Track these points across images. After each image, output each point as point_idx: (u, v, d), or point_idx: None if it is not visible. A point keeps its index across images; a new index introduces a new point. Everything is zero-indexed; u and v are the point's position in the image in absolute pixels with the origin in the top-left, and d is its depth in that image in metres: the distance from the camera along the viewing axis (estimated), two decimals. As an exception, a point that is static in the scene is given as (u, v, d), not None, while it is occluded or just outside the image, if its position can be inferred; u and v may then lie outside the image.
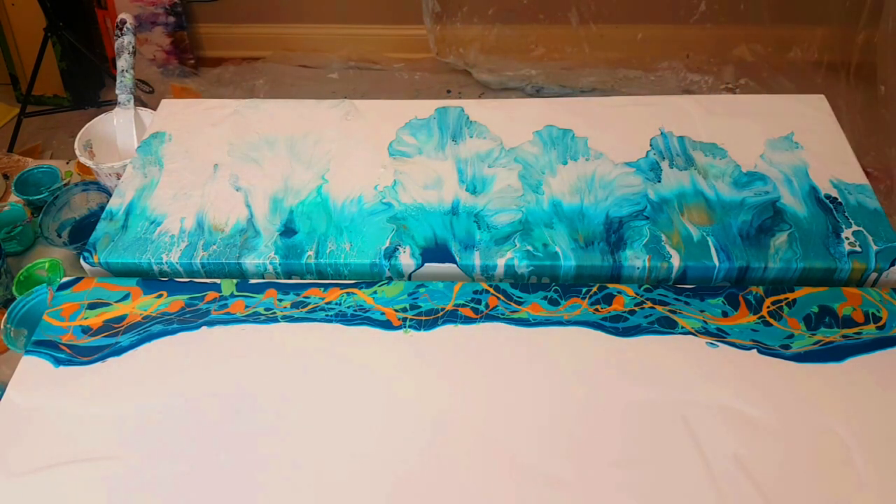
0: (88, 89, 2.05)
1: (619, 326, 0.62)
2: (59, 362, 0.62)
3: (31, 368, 0.61)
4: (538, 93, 1.99)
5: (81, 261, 0.71)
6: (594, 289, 0.65)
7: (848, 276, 0.67)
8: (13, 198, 0.99)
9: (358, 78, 2.09)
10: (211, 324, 0.64)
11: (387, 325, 0.63)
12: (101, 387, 0.60)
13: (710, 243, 0.68)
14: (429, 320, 0.63)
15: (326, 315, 0.64)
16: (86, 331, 0.64)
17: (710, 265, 0.66)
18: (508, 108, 0.84)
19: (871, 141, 1.65)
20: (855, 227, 0.69)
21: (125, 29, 0.95)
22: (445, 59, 2.07)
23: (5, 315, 0.80)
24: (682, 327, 0.61)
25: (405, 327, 0.63)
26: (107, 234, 0.72)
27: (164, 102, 0.89)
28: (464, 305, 0.64)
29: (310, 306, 0.65)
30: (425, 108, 0.85)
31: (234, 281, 0.67)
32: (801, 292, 0.64)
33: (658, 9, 1.93)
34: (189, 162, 0.80)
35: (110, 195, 0.83)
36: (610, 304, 0.63)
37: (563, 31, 2.00)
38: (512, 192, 0.74)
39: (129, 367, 0.61)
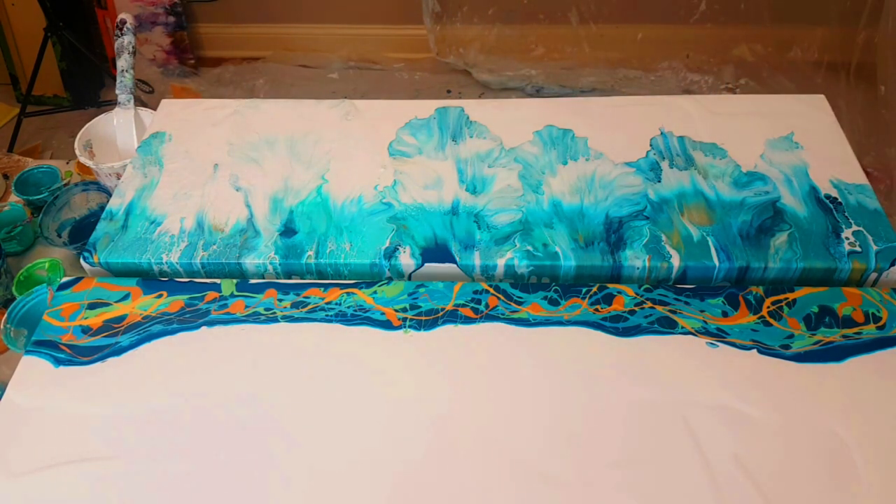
0: (88, 89, 2.05)
1: (619, 326, 0.62)
2: (59, 362, 0.62)
3: (31, 368, 0.61)
4: (538, 93, 1.99)
5: (81, 261, 0.71)
6: (594, 289, 0.65)
7: (848, 276, 0.67)
8: (13, 198, 0.99)
9: (358, 78, 2.09)
10: (211, 324, 0.64)
11: (387, 325, 0.63)
12: (101, 387, 0.60)
13: (710, 243, 0.68)
14: (429, 320, 0.63)
15: (326, 315, 0.64)
16: (86, 331, 0.64)
17: (710, 265, 0.66)
18: (508, 108, 0.84)
19: (871, 141, 1.65)
20: (855, 227, 0.69)
21: (125, 29, 0.95)
22: (445, 59, 2.07)
23: (5, 315, 0.80)
24: (682, 327, 0.61)
25: (405, 327, 0.63)
26: (107, 234, 0.72)
27: (164, 102, 0.89)
28: (464, 305, 0.64)
29: (310, 306, 0.65)
30: (425, 108, 0.85)
31: (234, 281, 0.67)
32: (801, 292, 0.64)
33: (658, 9, 1.93)
34: (189, 162, 0.80)
35: (110, 195, 0.83)
36: (610, 304, 0.63)
37: (563, 31, 2.00)
38: (512, 192, 0.74)
39: (129, 367, 0.61)
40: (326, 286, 0.66)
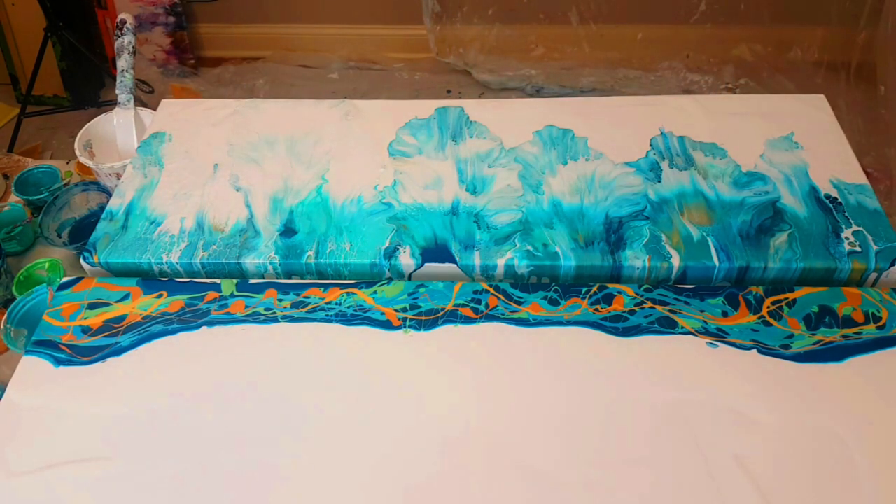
0: (88, 89, 2.05)
1: (619, 326, 0.62)
2: (59, 362, 0.62)
3: (31, 368, 0.61)
4: (538, 93, 1.99)
5: (81, 261, 0.71)
6: (594, 289, 0.65)
7: (848, 276, 0.67)
8: (13, 198, 0.99)
9: (358, 78, 2.09)
10: (211, 324, 0.64)
11: (387, 325, 0.63)
12: (101, 387, 0.60)
13: (710, 243, 0.68)
14: (429, 320, 0.63)
15: (326, 315, 0.64)
16: (86, 331, 0.64)
17: (710, 265, 0.66)
18: (508, 108, 0.84)
19: (871, 141, 1.65)
20: (855, 227, 0.69)
21: (125, 29, 0.95)
22: (445, 59, 2.07)
23: (5, 315, 0.80)
24: (682, 327, 0.61)
25: (405, 327, 0.63)
26: (107, 234, 0.72)
27: (164, 102, 0.89)
28: (464, 305, 0.64)
29: (310, 306, 0.65)
30: (425, 108, 0.85)
31: (234, 281, 0.67)
32: (801, 292, 0.64)
33: (658, 9, 1.93)
34: (189, 162, 0.80)
35: (110, 195, 0.83)
36: (610, 304, 0.63)
37: (563, 31, 2.00)
38: (512, 192, 0.74)
39: (129, 367, 0.61)
40: (326, 286, 0.66)
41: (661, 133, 0.80)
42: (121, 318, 0.65)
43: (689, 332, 0.61)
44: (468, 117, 0.83)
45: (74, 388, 0.60)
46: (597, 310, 0.63)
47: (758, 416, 0.55)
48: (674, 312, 0.62)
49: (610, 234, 0.69)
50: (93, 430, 0.57)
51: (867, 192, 0.72)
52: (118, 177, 0.91)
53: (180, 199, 0.75)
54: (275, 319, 0.64)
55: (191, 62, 2.10)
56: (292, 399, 0.58)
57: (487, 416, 0.56)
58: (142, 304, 0.66)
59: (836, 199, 0.71)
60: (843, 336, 0.60)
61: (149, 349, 0.62)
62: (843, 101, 1.72)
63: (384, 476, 0.53)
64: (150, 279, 0.69)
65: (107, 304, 0.66)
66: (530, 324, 0.62)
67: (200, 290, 0.66)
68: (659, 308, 0.63)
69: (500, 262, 0.67)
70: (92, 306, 0.66)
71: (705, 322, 0.62)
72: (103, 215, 0.74)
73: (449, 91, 2.04)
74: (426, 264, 0.68)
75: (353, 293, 0.65)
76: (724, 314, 0.62)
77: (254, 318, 0.64)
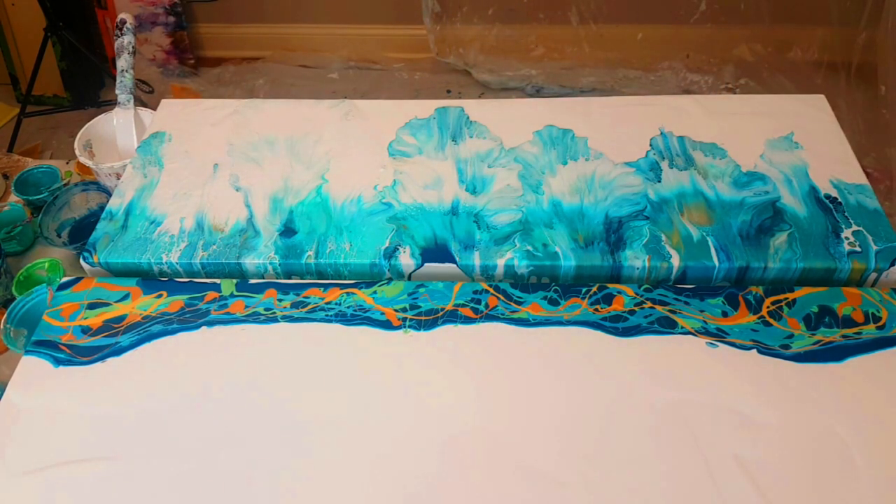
0: (88, 89, 2.05)
1: (619, 326, 0.62)
2: (58, 362, 0.62)
3: (31, 368, 0.61)
4: (538, 93, 1.99)
5: (81, 261, 0.71)
6: (594, 289, 0.65)
7: (848, 276, 0.67)
8: (13, 198, 0.99)
9: (358, 78, 2.09)
10: (211, 324, 0.64)
11: (387, 325, 0.63)
12: (100, 387, 0.60)
13: (710, 243, 0.68)
14: (429, 320, 0.63)
15: (326, 315, 0.64)
16: (86, 331, 0.64)
17: (709, 265, 0.66)
18: (508, 108, 0.84)
19: (871, 141, 1.65)
20: (855, 227, 0.69)
21: (125, 29, 0.95)
22: (445, 59, 2.07)
23: (5, 315, 0.80)
24: (682, 327, 0.61)
25: (405, 327, 0.63)
26: (107, 234, 0.72)
27: (164, 102, 0.89)
28: (464, 305, 0.64)
29: (310, 306, 0.65)
30: (425, 108, 0.85)
31: (234, 281, 0.67)
32: (800, 292, 0.64)
33: (658, 9, 1.93)
34: (189, 162, 0.80)
35: (110, 195, 0.83)
36: (610, 304, 0.63)
37: (563, 31, 2.00)
38: (512, 192, 0.74)
39: (128, 367, 0.61)
40: (326, 286, 0.66)
41: (661, 133, 0.80)
42: (121, 318, 0.65)
43: (688, 332, 0.61)
44: (468, 117, 0.83)
45: (74, 388, 0.60)
46: (597, 310, 0.63)
47: (758, 416, 0.55)
48: (674, 312, 0.62)
49: (610, 234, 0.69)
50: (93, 430, 0.57)
51: (867, 192, 0.72)
52: (118, 177, 0.91)
53: (180, 199, 0.75)
54: (275, 319, 0.64)
55: (191, 62, 2.10)
56: (292, 399, 0.58)
57: (487, 416, 0.56)
58: (142, 304, 0.66)
59: (835, 199, 0.71)
60: (843, 336, 0.60)
61: (149, 349, 0.62)
62: (843, 101, 1.72)
63: (384, 476, 0.53)
64: (150, 279, 0.69)
65: (107, 304, 0.66)
66: (530, 324, 0.62)
67: (200, 290, 0.66)
68: (659, 308, 0.63)
69: (500, 262, 0.67)
70: (92, 306, 0.66)
71: (705, 322, 0.62)
72: (103, 215, 0.74)
73: (449, 91, 2.04)
74: (426, 264, 0.68)
75: (353, 293, 0.65)
76: (724, 314, 0.62)
77: (254, 318, 0.64)
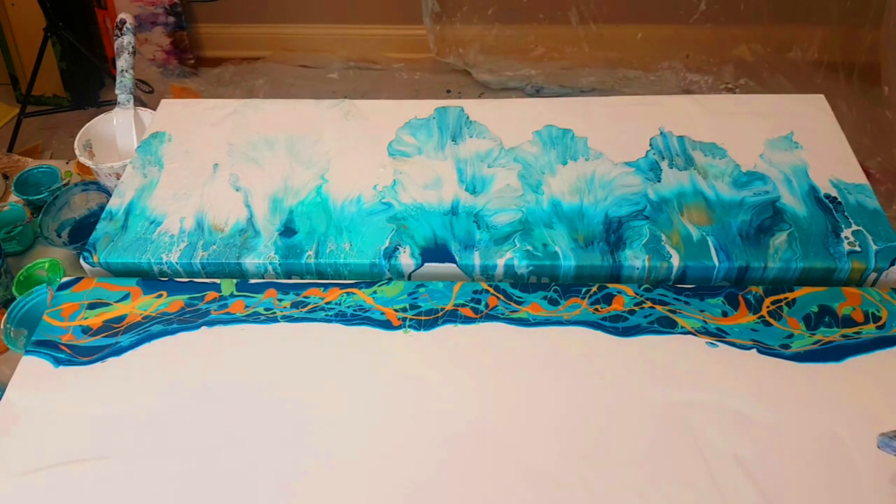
0: (88, 89, 2.05)
1: (619, 326, 0.62)
2: (59, 362, 0.62)
3: (31, 368, 0.61)
4: (538, 93, 1.99)
5: (81, 261, 0.71)
6: (594, 289, 0.65)
7: (847, 276, 0.67)
8: (13, 198, 0.99)
9: (358, 78, 2.09)
10: (211, 324, 0.64)
11: (387, 325, 0.63)
12: (101, 387, 0.60)
13: (710, 243, 0.68)
14: (429, 320, 0.63)
15: (326, 315, 0.64)
16: (86, 331, 0.64)
17: (709, 265, 0.66)
18: (508, 108, 0.84)
19: (873, 142, 1.65)
20: (854, 227, 0.69)
21: (125, 29, 0.95)
22: (445, 59, 2.07)
23: (5, 315, 0.80)
24: (682, 327, 0.61)
25: (405, 327, 0.63)
26: (107, 234, 0.72)
27: (164, 102, 0.89)
28: (464, 305, 0.64)
29: (310, 306, 0.65)
30: (425, 108, 0.85)
31: (234, 281, 0.67)
32: (800, 292, 0.64)
33: (658, 9, 1.93)
34: (189, 162, 0.80)
35: (110, 195, 0.83)
36: (610, 304, 0.63)
37: (563, 31, 2.00)
38: (511, 191, 0.74)
39: (128, 367, 0.61)
40: (326, 286, 0.66)
41: (661, 133, 0.80)
42: (121, 318, 0.65)
43: (688, 332, 0.61)
44: (468, 117, 0.83)
45: (74, 388, 0.60)
46: (597, 310, 0.63)
47: (757, 416, 0.55)
48: (674, 312, 0.62)
49: (610, 234, 0.69)
50: (93, 430, 0.57)
51: (867, 191, 0.72)
52: (118, 177, 0.91)
53: (180, 199, 0.75)
54: (275, 319, 0.64)
55: (191, 62, 2.10)
56: (292, 399, 0.58)
57: (487, 416, 0.56)
58: (142, 304, 0.66)
59: (835, 198, 0.71)
60: (843, 336, 0.60)
61: (149, 349, 0.62)
62: (843, 102, 1.72)
63: (384, 475, 0.53)
64: (150, 279, 0.69)
65: (107, 304, 0.66)
66: (530, 324, 0.62)
67: (200, 290, 0.66)
68: (659, 308, 0.63)
69: (500, 262, 0.67)
70: (92, 306, 0.66)
71: (705, 322, 0.62)
72: (103, 215, 0.74)
73: (449, 91, 2.04)
74: (426, 264, 0.68)
75: (353, 293, 0.65)
76: (724, 314, 0.62)
77: (254, 318, 0.64)
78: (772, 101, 0.84)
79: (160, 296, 0.66)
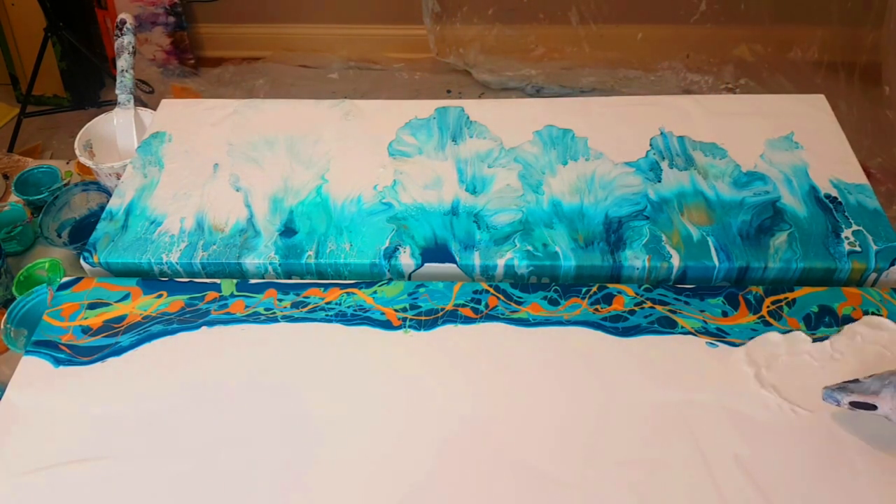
0: (88, 89, 2.05)
1: (619, 326, 0.62)
2: (59, 362, 0.62)
3: (31, 368, 0.61)
4: (538, 93, 1.99)
5: (81, 261, 0.71)
6: (594, 289, 0.65)
7: (848, 276, 0.67)
8: (13, 198, 0.99)
9: (358, 78, 2.09)
10: (211, 324, 0.64)
11: (387, 325, 0.63)
12: (101, 387, 0.60)
13: (710, 243, 0.68)
14: (429, 320, 0.63)
15: (326, 315, 0.64)
16: (86, 331, 0.64)
17: (710, 265, 0.66)
18: (508, 108, 0.84)
19: (871, 141, 1.65)
20: (855, 227, 0.69)
21: (125, 29, 0.95)
22: (445, 59, 2.07)
23: (5, 315, 0.80)
24: (682, 327, 0.61)
25: (405, 327, 0.63)
26: (107, 234, 0.72)
27: (164, 102, 0.89)
28: (464, 305, 0.64)
29: (310, 306, 0.65)
30: (425, 108, 0.85)
31: (234, 281, 0.67)
32: (800, 292, 0.64)
33: (658, 9, 1.93)
34: (189, 162, 0.80)
35: (110, 195, 0.83)
36: (610, 304, 0.63)
37: (563, 31, 2.00)
38: (512, 192, 0.74)
39: (129, 367, 0.61)
40: (326, 286, 0.66)
41: (661, 133, 0.80)
42: (121, 318, 0.65)
43: (689, 332, 0.61)
44: (468, 117, 0.83)
45: (74, 388, 0.60)
46: (597, 310, 0.63)
47: (758, 416, 0.55)
48: (674, 312, 0.62)
49: (610, 234, 0.69)
50: (93, 430, 0.57)
51: (867, 191, 0.72)
52: (118, 177, 0.91)
53: (180, 199, 0.75)
54: (275, 319, 0.64)
55: (191, 62, 2.10)
56: (292, 399, 0.58)
57: (487, 416, 0.56)
58: (142, 304, 0.66)
59: (835, 198, 0.71)
60: (843, 336, 0.60)
61: (149, 349, 0.62)
62: (844, 102, 1.72)
63: (384, 475, 0.53)
64: (150, 279, 0.69)
65: (107, 304, 0.66)
66: (530, 324, 0.62)
67: (200, 290, 0.66)
68: (659, 308, 0.63)
69: (500, 262, 0.67)
70: (92, 306, 0.66)
71: (705, 322, 0.62)
72: (103, 215, 0.74)
73: (449, 91, 2.04)
74: (426, 264, 0.68)
75: (353, 293, 0.65)
76: (724, 314, 0.62)
77: (254, 318, 0.64)
78: (772, 101, 0.84)
79: (160, 296, 0.66)
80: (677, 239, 0.68)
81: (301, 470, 0.54)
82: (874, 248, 0.67)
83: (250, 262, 0.69)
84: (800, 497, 0.51)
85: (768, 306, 0.63)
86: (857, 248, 0.67)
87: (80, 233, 0.93)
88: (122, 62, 0.96)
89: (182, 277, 0.70)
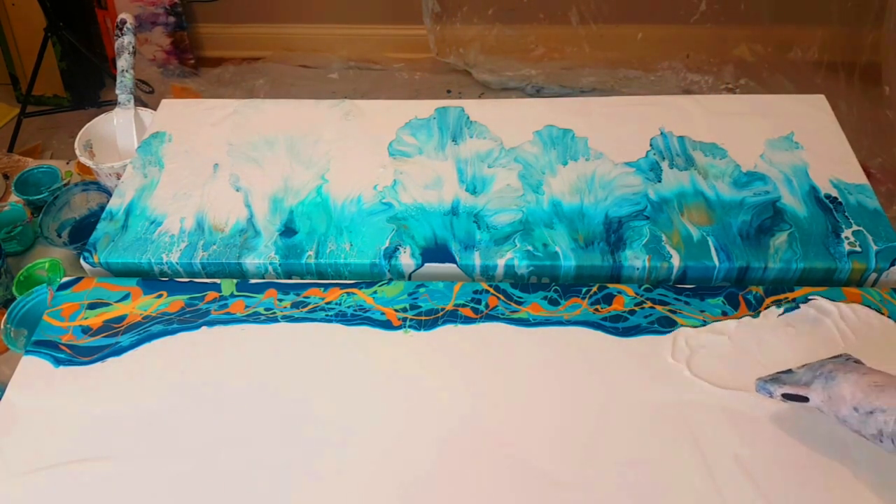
0: (88, 89, 2.05)
1: (619, 326, 0.62)
2: (59, 362, 0.62)
3: (31, 368, 0.61)
4: (538, 93, 1.99)
5: (81, 261, 0.71)
6: (594, 289, 0.65)
7: (848, 276, 0.67)
8: (13, 198, 0.99)
9: (358, 78, 2.09)
10: (211, 324, 0.64)
11: (387, 325, 0.63)
12: (101, 387, 0.60)
13: (710, 243, 0.68)
14: (429, 320, 0.63)
15: (326, 315, 0.64)
16: (86, 331, 0.64)
17: (710, 265, 0.66)
18: (508, 108, 0.84)
19: (871, 141, 1.65)
20: (855, 227, 0.69)
21: (125, 29, 0.95)
22: (445, 59, 2.07)
23: (5, 315, 0.80)
24: (682, 327, 0.61)
25: (405, 327, 0.63)
26: (107, 234, 0.72)
27: (164, 102, 0.89)
28: (464, 305, 0.64)
29: (310, 306, 0.65)
30: (425, 108, 0.85)
31: (234, 281, 0.67)
32: (800, 292, 0.64)
33: (658, 9, 1.93)
34: (189, 162, 0.80)
35: (110, 195, 0.83)
36: (610, 304, 0.63)
37: (563, 31, 2.00)
38: (512, 192, 0.74)
39: (129, 367, 0.61)
40: (326, 286, 0.66)
41: (661, 133, 0.80)
42: (121, 318, 0.65)
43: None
44: (468, 117, 0.83)
45: (74, 388, 0.60)
46: (597, 310, 0.63)
47: (758, 416, 0.55)
48: (674, 312, 0.62)
49: (610, 234, 0.69)
50: (93, 430, 0.57)
51: (867, 191, 0.72)
52: (118, 177, 0.91)
53: (180, 199, 0.75)
54: (275, 319, 0.64)
55: (191, 62, 2.10)
56: (292, 399, 0.58)
57: (487, 416, 0.56)
58: (142, 304, 0.66)
59: (836, 198, 0.71)
60: (843, 336, 0.60)
61: (149, 349, 0.62)
62: (844, 102, 1.72)
63: (384, 475, 0.53)
64: (150, 279, 0.69)
65: (107, 304, 0.66)
66: (530, 324, 0.62)
67: (200, 290, 0.66)
68: (659, 308, 0.63)
69: (500, 262, 0.67)
70: (92, 306, 0.66)
71: (705, 322, 0.62)
72: (103, 215, 0.74)
73: (449, 91, 2.04)
74: (426, 264, 0.68)
75: (353, 293, 0.65)
76: (724, 314, 0.62)
77: (254, 318, 0.64)
78: (772, 101, 0.84)
79: (160, 296, 0.66)
80: (677, 239, 0.68)
81: (301, 470, 0.54)
82: (874, 248, 0.67)
83: (250, 262, 0.69)
84: (799, 497, 0.51)
85: (768, 306, 0.63)
86: (858, 248, 0.67)
87: (80, 233, 0.93)
88: (123, 62, 0.96)
89: (182, 277, 0.70)
